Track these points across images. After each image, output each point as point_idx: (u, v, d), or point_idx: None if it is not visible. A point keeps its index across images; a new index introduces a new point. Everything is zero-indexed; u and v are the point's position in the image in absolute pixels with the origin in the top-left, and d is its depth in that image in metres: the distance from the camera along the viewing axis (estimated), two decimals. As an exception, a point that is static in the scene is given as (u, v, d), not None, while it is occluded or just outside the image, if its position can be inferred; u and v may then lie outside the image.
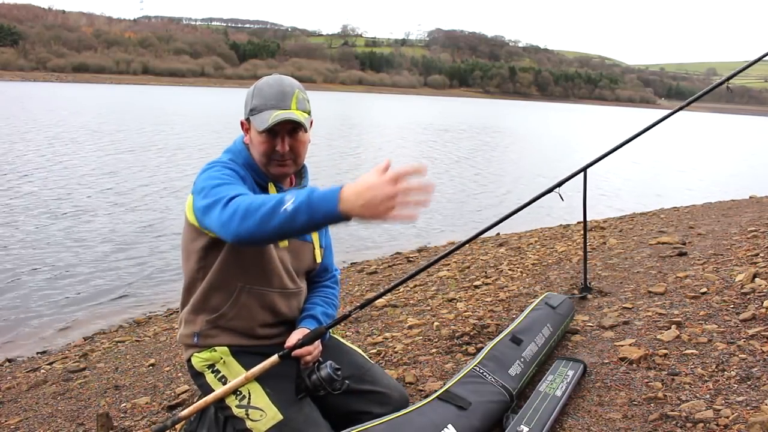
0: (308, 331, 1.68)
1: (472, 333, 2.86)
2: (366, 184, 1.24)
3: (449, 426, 1.68)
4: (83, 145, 16.53)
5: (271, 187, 1.72)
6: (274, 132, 1.62)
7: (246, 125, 1.70)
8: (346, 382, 1.61)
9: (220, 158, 1.69)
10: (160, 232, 8.24)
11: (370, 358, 2.30)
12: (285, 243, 1.73)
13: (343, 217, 1.26)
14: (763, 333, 2.31)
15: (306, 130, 1.67)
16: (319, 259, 1.86)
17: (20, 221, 8.42)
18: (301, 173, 1.83)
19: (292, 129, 1.64)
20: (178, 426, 2.44)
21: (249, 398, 1.59)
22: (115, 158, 14.76)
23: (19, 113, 25.93)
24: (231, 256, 1.66)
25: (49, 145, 16.14)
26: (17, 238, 7.61)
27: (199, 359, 1.72)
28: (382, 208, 1.23)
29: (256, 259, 1.67)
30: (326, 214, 1.27)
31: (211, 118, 30.07)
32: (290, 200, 1.30)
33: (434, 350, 2.74)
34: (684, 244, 4.33)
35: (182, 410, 1.63)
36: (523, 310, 2.59)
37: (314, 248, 1.84)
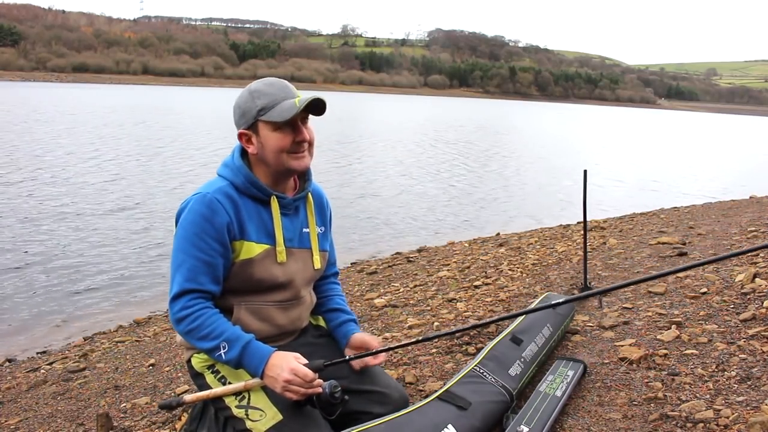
0: (379, 343, 1.79)
1: (472, 333, 2.86)
2: (279, 364, 1.52)
3: (449, 426, 1.68)
4: (89, 145, 16.55)
5: (273, 202, 1.69)
6: (292, 123, 1.62)
7: (248, 135, 1.65)
8: (346, 397, 1.57)
9: (211, 185, 1.65)
10: (162, 232, 8.24)
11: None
12: (283, 258, 1.69)
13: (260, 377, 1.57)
14: (763, 333, 2.31)
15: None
16: (317, 266, 1.80)
17: (21, 221, 8.44)
18: (304, 176, 1.81)
19: (304, 117, 1.66)
20: (178, 425, 2.45)
21: (249, 399, 1.60)
22: (122, 161, 14.75)
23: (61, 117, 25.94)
24: (224, 281, 1.67)
25: (58, 145, 16.15)
26: (18, 238, 7.62)
27: (198, 360, 1.72)
28: (278, 387, 1.51)
29: (250, 280, 1.67)
30: (250, 371, 1.58)
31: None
32: (224, 350, 1.56)
33: (434, 350, 2.74)
34: (684, 244, 4.33)
35: (187, 394, 1.64)
36: (523, 310, 2.59)
37: (312, 254, 1.80)
